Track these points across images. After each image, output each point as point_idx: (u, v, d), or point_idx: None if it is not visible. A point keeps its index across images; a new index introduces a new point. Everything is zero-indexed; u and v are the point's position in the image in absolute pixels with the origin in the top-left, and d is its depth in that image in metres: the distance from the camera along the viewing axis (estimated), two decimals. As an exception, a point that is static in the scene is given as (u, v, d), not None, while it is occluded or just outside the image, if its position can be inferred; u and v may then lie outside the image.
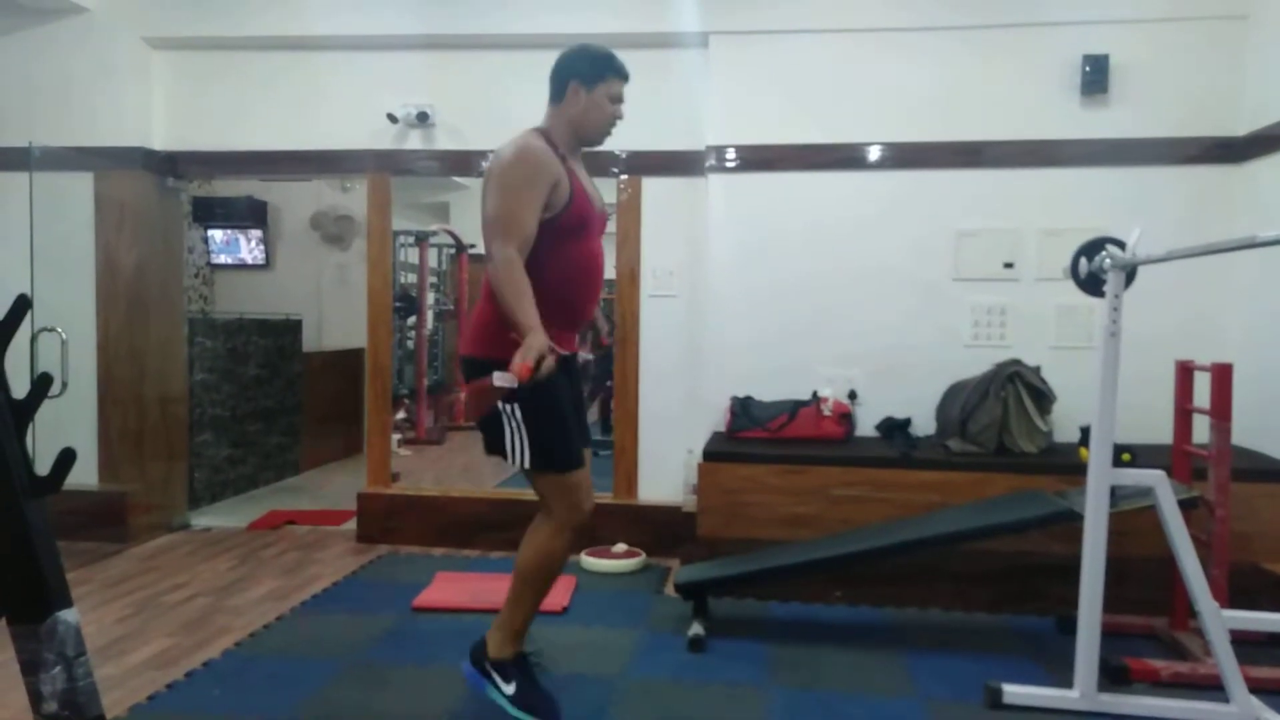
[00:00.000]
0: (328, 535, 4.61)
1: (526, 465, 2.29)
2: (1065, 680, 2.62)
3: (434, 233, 8.20)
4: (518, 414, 2.25)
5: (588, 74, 2.35)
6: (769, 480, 3.59)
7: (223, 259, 7.18)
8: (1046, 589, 3.34)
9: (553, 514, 2.34)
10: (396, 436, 6.33)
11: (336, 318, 7.18)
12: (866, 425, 4.03)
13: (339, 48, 4.38)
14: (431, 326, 8.25)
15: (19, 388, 1.40)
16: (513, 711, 2.33)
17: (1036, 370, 3.67)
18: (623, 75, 2.40)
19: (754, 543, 3.53)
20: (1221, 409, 2.81)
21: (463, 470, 6.43)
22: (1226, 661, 2.50)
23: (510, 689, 2.35)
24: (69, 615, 1.38)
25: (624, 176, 4.28)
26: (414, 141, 4.40)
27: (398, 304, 6.87)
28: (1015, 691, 2.61)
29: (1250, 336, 3.69)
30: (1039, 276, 3.90)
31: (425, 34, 4.26)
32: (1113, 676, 2.73)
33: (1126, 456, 3.14)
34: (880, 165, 4.02)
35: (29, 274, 4.04)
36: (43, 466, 1.41)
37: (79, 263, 4.39)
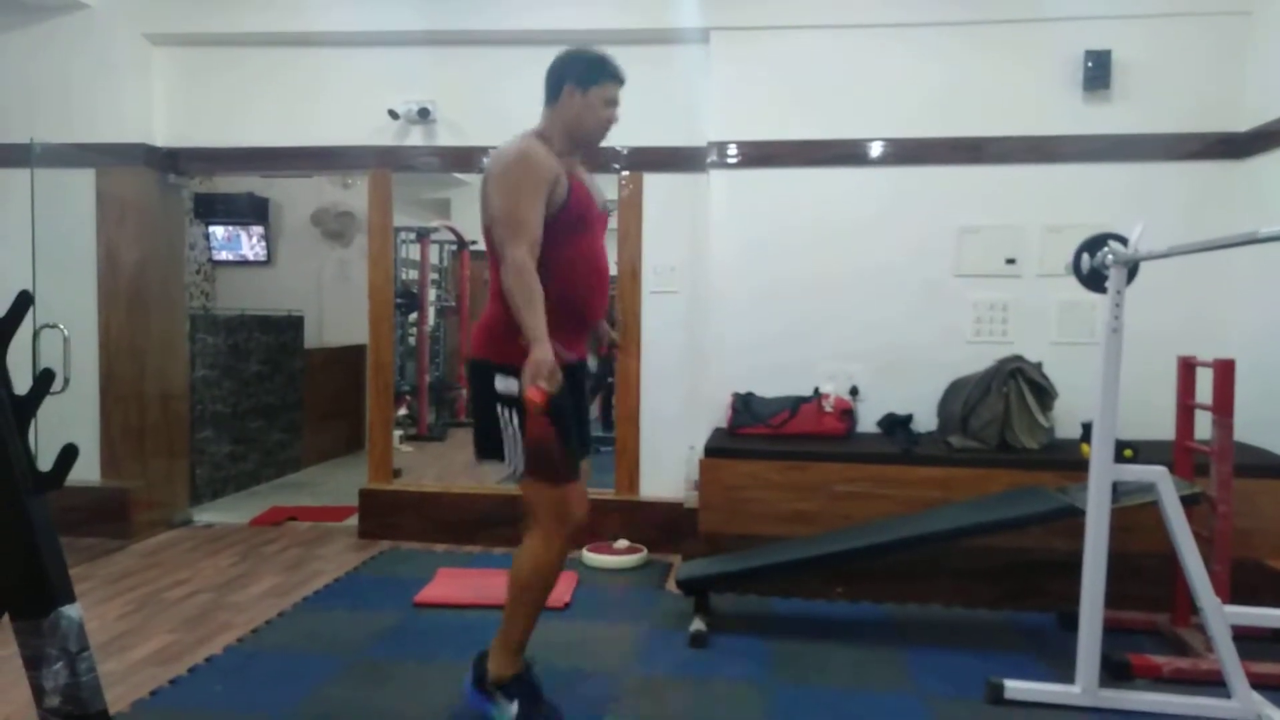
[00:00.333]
0: (329, 531, 4.61)
1: (520, 472, 2.26)
2: (1067, 676, 2.62)
3: (435, 229, 8.19)
4: (516, 421, 2.23)
5: (583, 77, 2.33)
6: (770, 476, 3.59)
7: (224, 255, 7.19)
8: (1048, 585, 3.34)
9: (539, 524, 2.31)
10: (398, 433, 6.33)
11: (338, 314, 7.19)
12: (868, 421, 4.03)
13: (340, 44, 4.38)
14: (433, 323, 8.24)
15: (21, 384, 1.41)
16: None
17: (1038, 366, 3.66)
18: (618, 79, 2.38)
19: (755, 539, 3.53)
20: (1223, 405, 2.81)
21: (464, 466, 6.43)
22: (1228, 657, 2.50)
23: (513, 709, 2.31)
24: (72, 611, 1.39)
25: (625, 173, 4.28)
26: (415, 137, 4.40)
27: (399, 300, 6.88)
28: (1017, 687, 2.61)
29: (1252, 332, 3.69)
30: (1041, 272, 3.90)
31: (426, 30, 4.26)
32: (1114, 672, 2.73)
33: (1128, 452, 3.14)
34: (882, 161, 4.01)
35: (31, 270, 4.04)
36: (45, 462, 1.42)
37: (80, 259, 4.39)
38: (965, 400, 3.67)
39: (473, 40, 4.28)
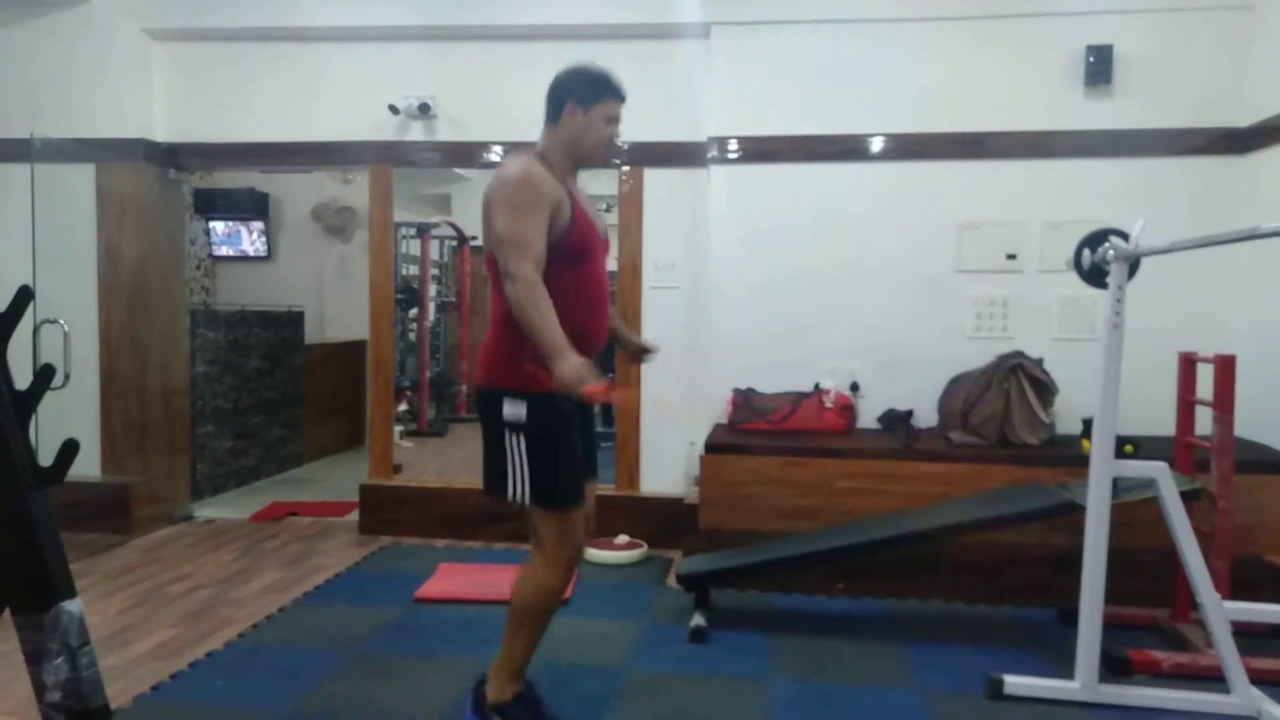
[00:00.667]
0: (330, 527, 4.62)
1: (525, 502, 2.23)
2: (1067, 671, 2.63)
3: (436, 224, 8.19)
4: (522, 447, 2.20)
5: (584, 94, 2.30)
6: (771, 472, 3.59)
7: (224, 251, 7.18)
8: (1048, 581, 3.34)
9: (544, 550, 2.27)
10: (399, 428, 6.33)
11: (338, 309, 7.19)
12: (868, 417, 4.03)
13: (340, 39, 4.37)
14: (433, 318, 8.24)
15: (21, 380, 1.41)
16: None
17: (1039, 362, 3.66)
18: (619, 96, 2.35)
19: (755, 534, 3.53)
20: (1224, 401, 2.81)
21: (465, 462, 6.43)
22: (1228, 653, 2.50)
23: None
24: (72, 606, 1.39)
25: (626, 168, 4.27)
26: (415, 133, 4.39)
27: (399, 296, 6.87)
28: (1016, 683, 2.61)
29: (1253, 328, 3.69)
30: (1042, 268, 3.89)
31: (426, 25, 4.25)
32: (1114, 668, 2.73)
33: (1129, 448, 3.14)
34: (882, 157, 4.01)
35: (31, 266, 4.04)
36: (46, 458, 1.42)
37: (81, 255, 4.38)
38: (966, 396, 3.67)
39: (473, 35, 4.28)
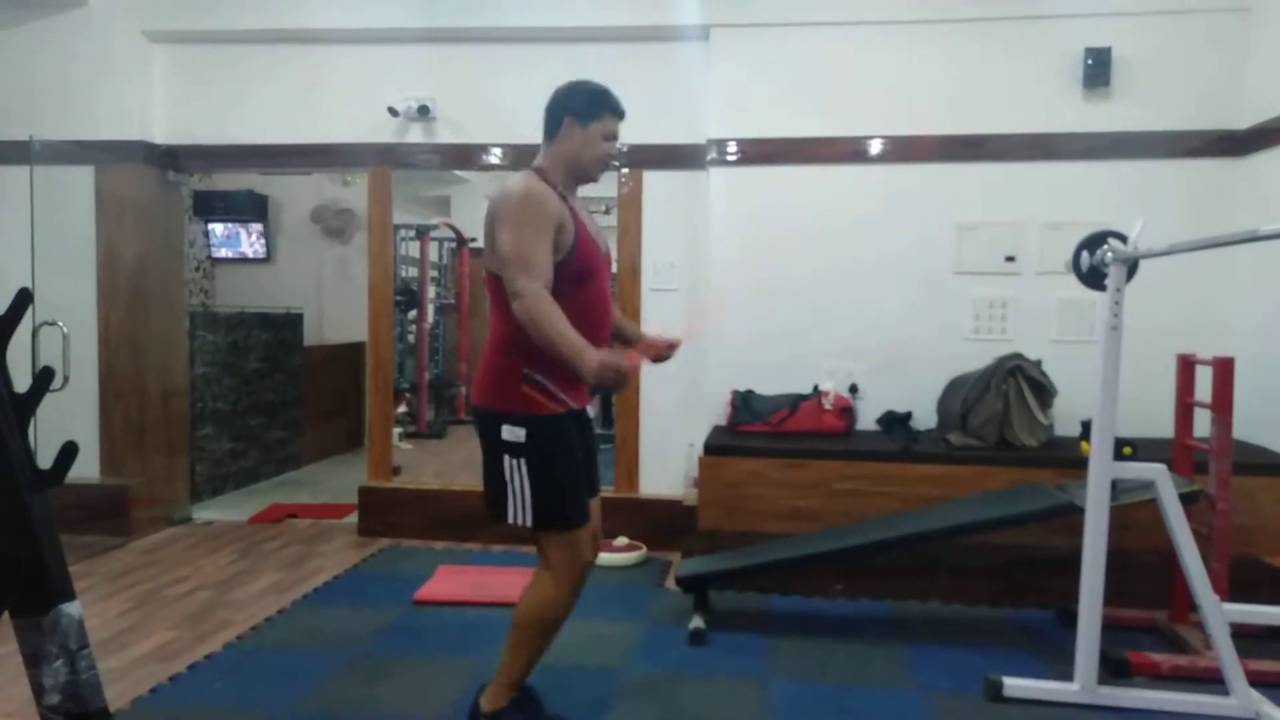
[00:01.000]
0: (329, 529, 4.62)
1: (529, 525, 2.21)
2: (1066, 673, 2.63)
3: (435, 226, 8.19)
4: (523, 469, 2.19)
5: (583, 111, 2.28)
6: (770, 474, 3.59)
7: (223, 253, 7.18)
8: (1047, 582, 3.34)
9: (552, 570, 2.26)
10: (398, 430, 6.33)
11: (337, 311, 7.18)
12: (867, 419, 4.03)
13: (340, 41, 4.37)
14: (432, 320, 8.24)
15: (21, 382, 1.41)
16: None
17: (1038, 364, 3.66)
18: (618, 113, 2.34)
19: (755, 536, 3.53)
20: (1223, 403, 2.81)
21: (464, 463, 6.43)
22: (1226, 654, 2.51)
23: None
24: (71, 608, 1.39)
25: (625, 170, 4.27)
26: (415, 135, 4.39)
27: (399, 298, 6.88)
28: (1015, 684, 2.61)
29: (1252, 330, 3.69)
30: (1040, 270, 3.90)
31: (426, 27, 4.26)
32: (1113, 669, 2.73)
33: (1127, 450, 3.14)
34: (881, 158, 4.01)
35: (30, 268, 4.04)
36: (45, 460, 1.42)
37: (80, 256, 4.38)
38: (964, 398, 3.67)
39: (472, 37, 4.28)
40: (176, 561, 4.00)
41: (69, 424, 4.06)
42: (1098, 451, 2.59)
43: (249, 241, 7.14)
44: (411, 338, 7.94)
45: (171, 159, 4.54)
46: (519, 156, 4.19)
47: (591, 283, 2.27)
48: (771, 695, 2.65)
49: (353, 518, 4.61)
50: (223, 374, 5.43)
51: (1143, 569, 3.10)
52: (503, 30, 4.22)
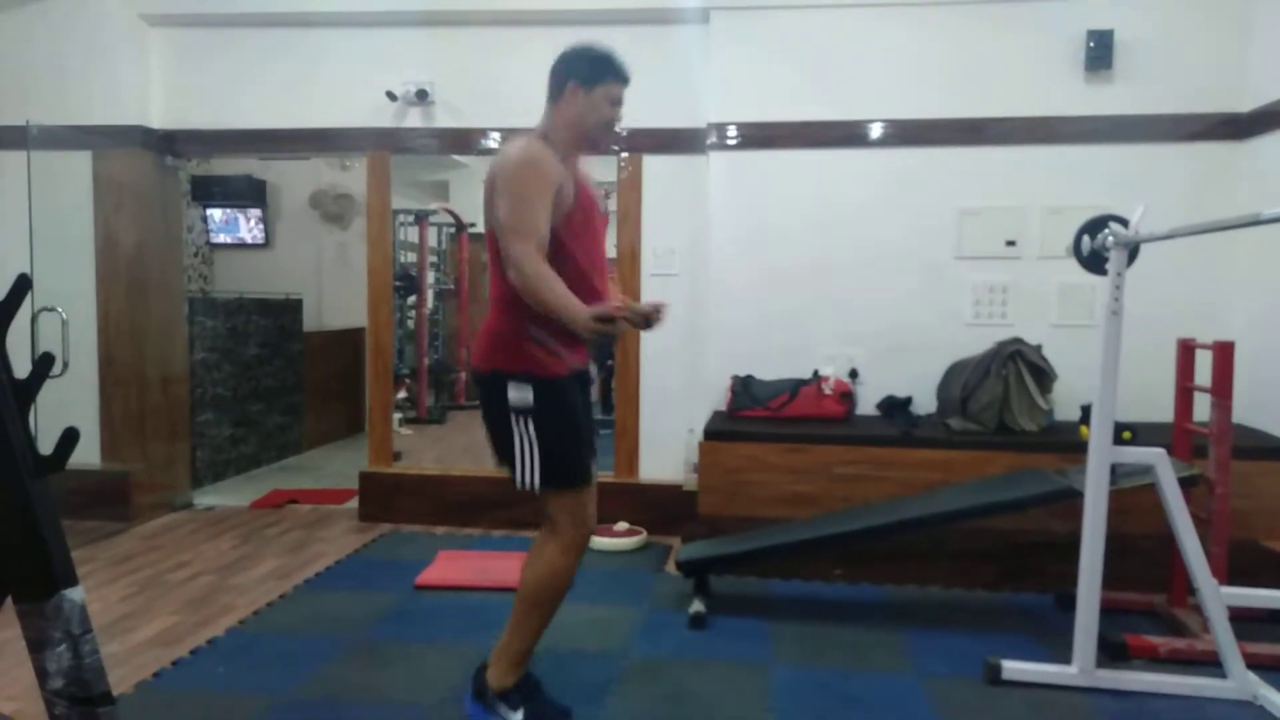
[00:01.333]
0: (330, 514, 4.63)
1: (535, 487, 2.22)
2: (1064, 657, 2.64)
3: (434, 211, 8.17)
4: (531, 429, 2.19)
5: (587, 75, 2.27)
6: (770, 459, 3.59)
7: (222, 238, 7.16)
8: (1046, 566, 3.36)
9: (558, 533, 2.26)
10: (398, 415, 6.34)
11: (336, 297, 7.17)
12: (867, 404, 4.03)
13: (338, 24, 4.35)
14: (432, 305, 8.23)
15: (20, 368, 1.40)
16: None
17: (1038, 349, 3.66)
18: (623, 78, 2.32)
19: (755, 521, 3.54)
20: (1222, 387, 2.81)
21: (464, 449, 6.44)
22: (1224, 638, 2.52)
23: (518, 717, 2.27)
24: (74, 593, 1.39)
25: (624, 154, 4.26)
26: (413, 119, 4.37)
27: (398, 283, 6.86)
28: (1014, 668, 2.62)
29: (1252, 314, 3.69)
30: (1041, 255, 3.89)
31: (424, 10, 4.23)
32: (1111, 653, 2.74)
33: (1127, 435, 3.14)
34: (883, 142, 3.99)
35: (28, 254, 4.03)
36: (46, 446, 1.41)
37: (78, 242, 4.37)
38: (965, 383, 3.67)
39: (471, 21, 4.25)
40: (178, 547, 4.02)
41: (69, 410, 4.06)
42: (1097, 436, 2.59)
43: (248, 227, 7.12)
44: (411, 323, 7.94)
45: (169, 144, 4.52)
46: (518, 141, 4.17)
47: (589, 240, 2.29)
48: (771, 679, 2.67)
49: (353, 503, 4.62)
50: (222, 360, 5.43)
51: (1141, 553, 3.11)
52: (501, 14, 4.19)
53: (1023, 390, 3.60)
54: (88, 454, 4.38)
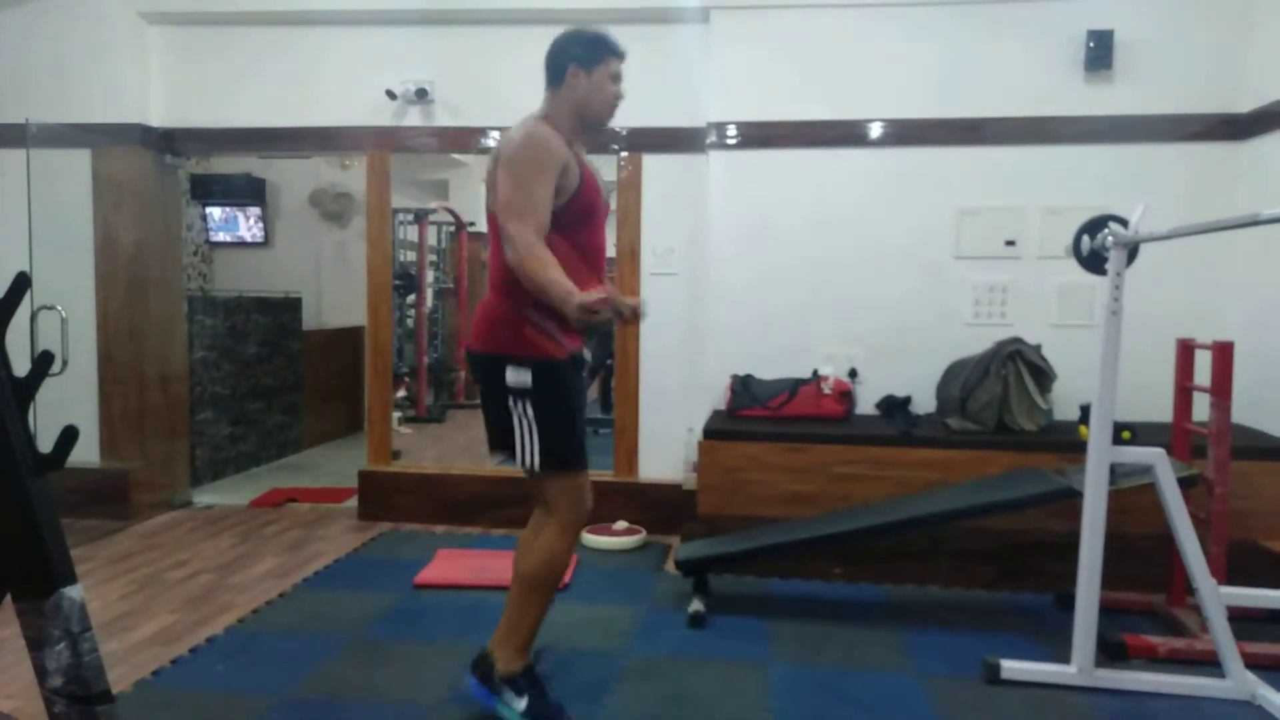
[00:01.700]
0: (329, 513, 4.63)
1: (536, 467, 2.23)
2: (1063, 656, 2.64)
3: (433, 210, 8.16)
4: (530, 412, 2.20)
5: (586, 56, 2.29)
6: (769, 458, 3.59)
7: (221, 236, 7.15)
8: (1045, 566, 3.36)
9: (556, 515, 2.27)
10: (397, 414, 6.34)
11: (336, 295, 7.17)
12: (867, 403, 4.03)
13: (337, 23, 4.34)
14: (431, 304, 8.23)
15: (19, 366, 1.40)
16: None
17: (1037, 348, 3.66)
18: (619, 54, 2.35)
19: (754, 520, 3.54)
20: (1222, 387, 2.81)
21: (464, 448, 6.44)
22: (1223, 638, 2.52)
23: (522, 704, 2.28)
24: (73, 591, 1.39)
25: (624, 153, 4.26)
26: (413, 118, 4.37)
27: (397, 282, 6.86)
28: (1013, 667, 2.63)
29: (1251, 315, 3.69)
30: (1041, 254, 3.89)
31: (424, 9, 4.23)
32: (1110, 652, 2.74)
33: (1126, 434, 3.14)
34: (882, 142, 3.99)
35: (28, 252, 4.03)
36: (45, 444, 1.41)
37: (77, 240, 4.37)
38: (964, 382, 3.67)
39: (471, 20, 4.25)
40: (177, 545, 4.01)
41: (69, 408, 4.05)
42: (1097, 436, 2.59)
43: (247, 225, 7.12)
44: (410, 322, 7.93)
45: (168, 142, 4.52)
46: (518, 140, 4.17)
47: (591, 225, 2.30)
48: (770, 678, 2.67)
49: (352, 502, 4.62)
50: (222, 358, 5.43)
51: (1140, 553, 3.12)
52: (501, 12, 4.19)
53: (1022, 390, 3.60)
54: (87, 452, 4.38)
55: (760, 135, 4.05)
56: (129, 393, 4.45)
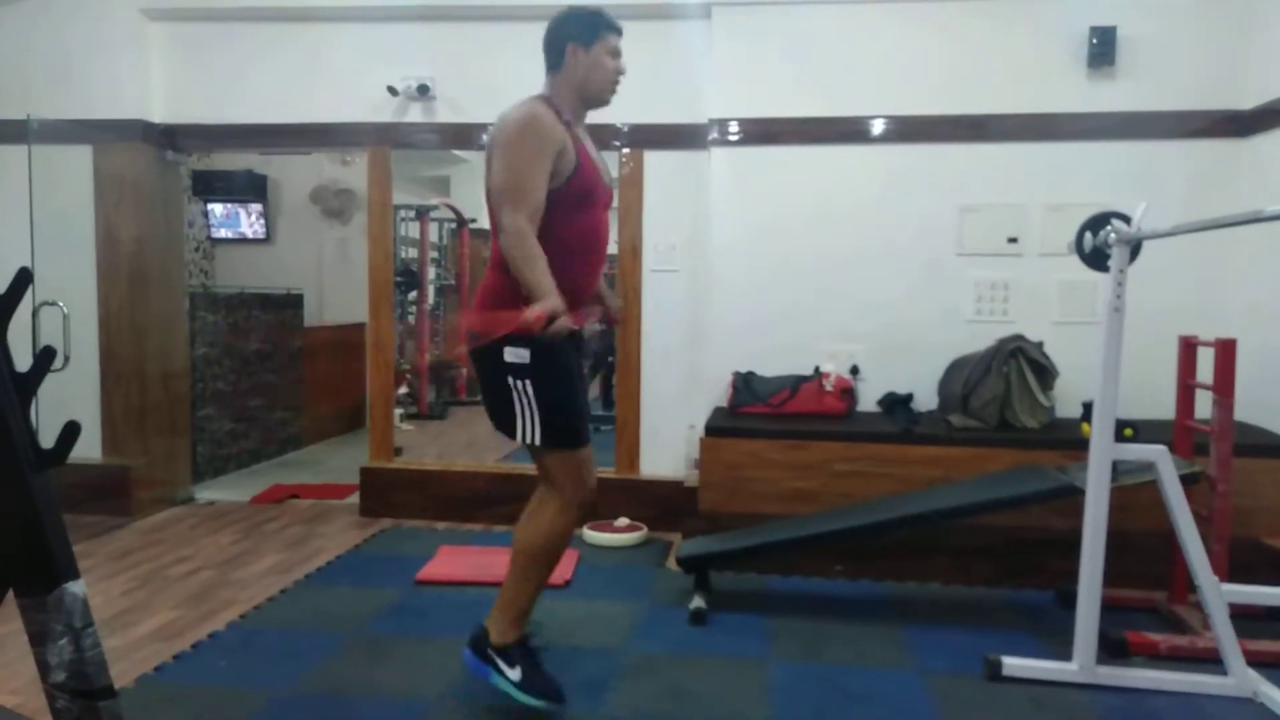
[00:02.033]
0: (331, 509, 4.63)
1: (537, 443, 2.24)
2: (1064, 653, 2.64)
3: (435, 207, 8.17)
4: (529, 390, 2.21)
5: (583, 35, 2.30)
6: (770, 455, 3.59)
7: (223, 233, 7.17)
8: (1046, 563, 3.36)
9: (559, 491, 2.29)
10: (399, 411, 6.34)
11: (337, 292, 7.18)
12: (868, 401, 4.03)
13: (339, 19, 4.34)
14: (433, 301, 8.24)
15: (21, 362, 1.40)
16: (520, 697, 2.29)
17: (1039, 346, 3.66)
18: (617, 29, 2.36)
19: (755, 517, 3.54)
20: (1224, 384, 2.81)
21: (465, 445, 6.45)
22: (1225, 635, 2.52)
23: (516, 674, 2.30)
24: (76, 587, 1.39)
25: (626, 150, 4.25)
26: (414, 114, 4.37)
27: (399, 279, 6.87)
28: (1015, 664, 2.63)
29: (1254, 312, 3.68)
30: (1043, 251, 3.88)
31: (425, 5, 4.22)
32: (1112, 650, 2.74)
33: (1128, 432, 3.14)
34: (884, 139, 3.99)
35: (29, 248, 4.03)
36: (47, 440, 1.41)
37: (79, 236, 4.37)
38: (966, 379, 3.67)
39: (472, 15, 4.24)
40: (179, 541, 4.02)
41: (70, 404, 4.06)
42: (1099, 433, 2.59)
43: (248, 222, 7.12)
44: (412, 319, 7.94)
45: (170, 138, 4.51)
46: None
47: (591, 209, 2.30)
48: (771, 675, 2.67)
49: (354, 498, 4.62)
50: (223, 355, 5.43)
51: (1142, 550, 3.11)
52: (503, 8, 4.18)
53: (1024, 387, 3.59)
54: (88, 448, 4.38)
55: (762, 132, 4.04)
56: (130, 389, 4.45)
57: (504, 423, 2.29)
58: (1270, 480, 3.29)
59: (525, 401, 2.22)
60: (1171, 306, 3.69)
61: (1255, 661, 2.57)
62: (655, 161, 4.26)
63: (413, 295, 7.93)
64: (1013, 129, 3.89)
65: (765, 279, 4.07)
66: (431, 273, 8.22)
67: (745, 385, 3.95)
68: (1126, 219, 2.65)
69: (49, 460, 1.40)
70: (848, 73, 3.99)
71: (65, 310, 3.94)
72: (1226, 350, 2.81)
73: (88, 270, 4.39)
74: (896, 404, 3.94)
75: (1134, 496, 2.83)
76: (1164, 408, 3.25)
